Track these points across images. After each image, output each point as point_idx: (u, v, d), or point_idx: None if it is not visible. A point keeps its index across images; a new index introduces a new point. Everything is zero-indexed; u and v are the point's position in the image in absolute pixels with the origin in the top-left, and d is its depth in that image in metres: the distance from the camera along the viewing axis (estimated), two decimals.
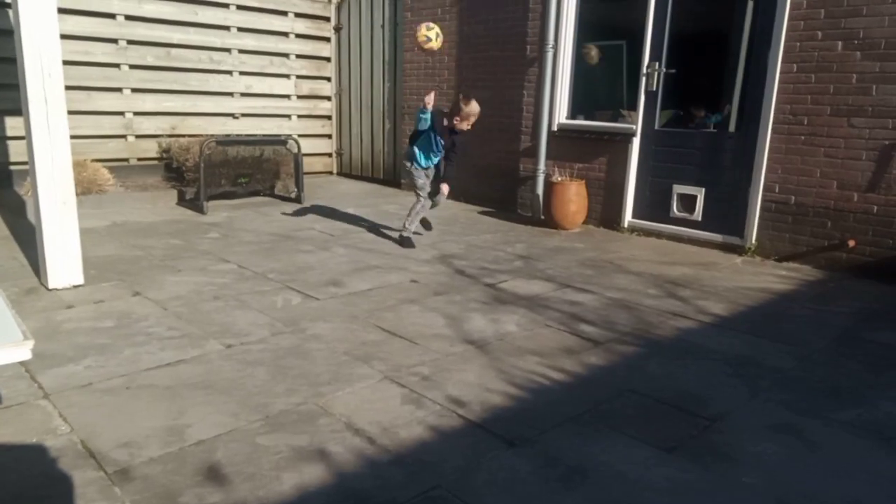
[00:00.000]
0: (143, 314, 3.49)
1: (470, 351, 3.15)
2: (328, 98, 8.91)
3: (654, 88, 5.70)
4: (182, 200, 6.78)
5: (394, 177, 8.32)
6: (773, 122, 5.05)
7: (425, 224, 5.55)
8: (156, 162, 7.39)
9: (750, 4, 5.29)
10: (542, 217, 6.34)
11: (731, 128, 5.39)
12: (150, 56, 7.22)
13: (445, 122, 4.99)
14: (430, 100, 4.79)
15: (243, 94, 8.04)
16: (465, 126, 4.95)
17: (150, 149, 7.39)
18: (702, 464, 2.24)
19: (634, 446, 2.33)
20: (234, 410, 2.50)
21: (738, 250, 5.29)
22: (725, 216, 5.40)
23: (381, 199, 7.40)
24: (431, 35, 4.75)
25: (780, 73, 4.98)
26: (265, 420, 2.43)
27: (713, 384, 2.87)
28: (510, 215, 6.70)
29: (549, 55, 6.30)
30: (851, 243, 4.74)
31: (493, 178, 7.07)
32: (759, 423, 2.53)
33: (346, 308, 3.70)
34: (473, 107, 4.90)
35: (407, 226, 5.26)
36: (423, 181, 5.21)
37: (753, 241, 5.23)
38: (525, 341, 3.29)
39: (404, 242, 5.21)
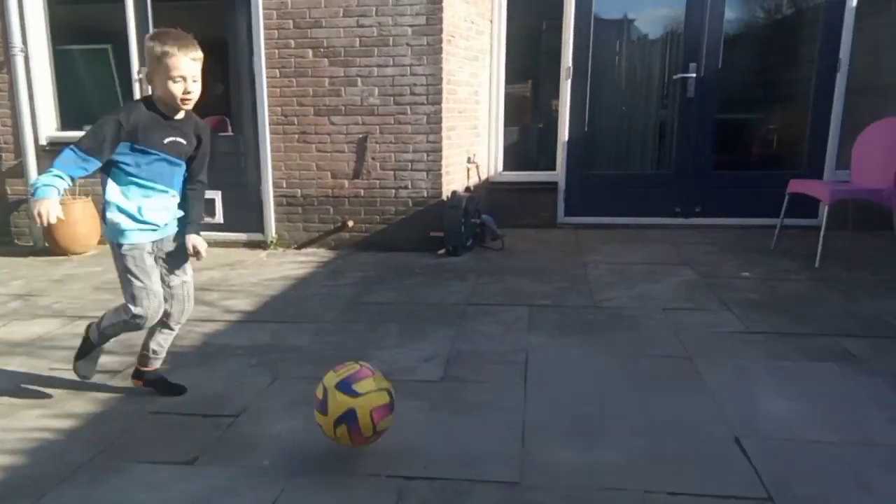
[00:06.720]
0: None
1: None
2: None
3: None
4: None
5: None
6: (270, 124, 5.45)
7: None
8: None
9: (232, 14, 5.50)
10: (47, 244, 5.49)
11: (229, 131, 5.62)
12: None
13: None
14: None
15: None
16: None
17: None
18: (225, 466, 2.27)
19: (153, 472, 2.22)
20: None
21: (263, 245, 5.60)
22: (246, 215, 5.63)
23: None
24: None
25: (267, 77, 5.38)
26: None
27: (238, 380, 2.96)
28: (6, 249, 5.60)
29: (19, 60, 5.43)
30: (350, 224, 5.52)
31: None
32: (278, 404, 2.72)
33: None
34: None
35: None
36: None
37: (274, 234, 5.60)
38: None
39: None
